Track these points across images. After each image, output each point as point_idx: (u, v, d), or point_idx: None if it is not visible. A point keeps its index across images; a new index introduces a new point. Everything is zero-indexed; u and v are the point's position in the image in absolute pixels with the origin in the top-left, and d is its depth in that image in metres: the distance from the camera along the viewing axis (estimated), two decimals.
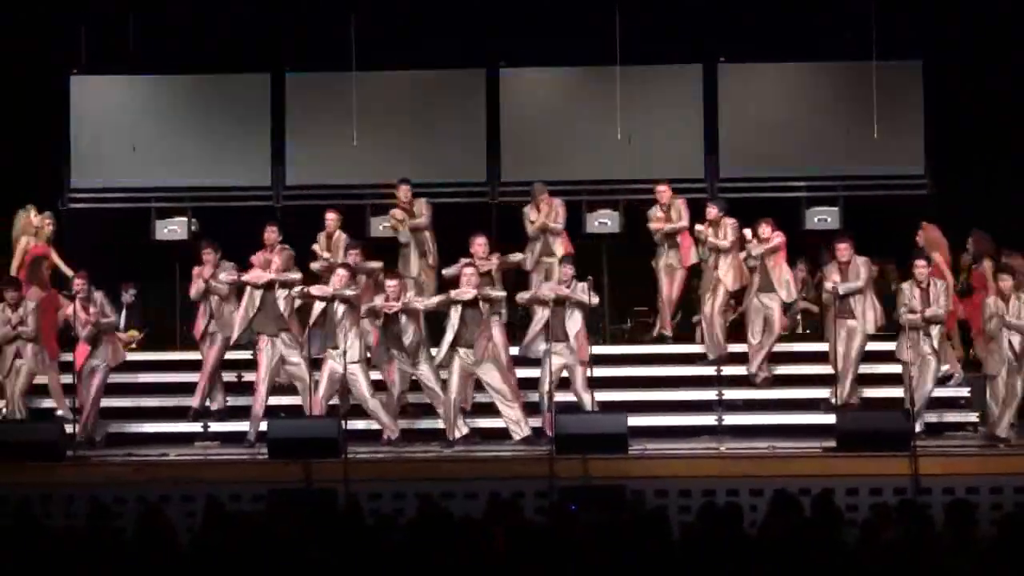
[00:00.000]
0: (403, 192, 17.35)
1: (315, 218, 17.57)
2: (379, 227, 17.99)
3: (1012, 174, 18.07)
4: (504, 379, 15.41)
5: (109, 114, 19.30)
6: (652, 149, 18.88)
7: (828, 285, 15.71)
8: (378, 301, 15.49)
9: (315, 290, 15.50)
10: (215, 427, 16.13)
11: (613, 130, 18.63)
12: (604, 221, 18.12)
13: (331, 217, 17.18)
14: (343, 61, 18.69)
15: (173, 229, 18.06)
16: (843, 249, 15.85)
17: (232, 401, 16.43)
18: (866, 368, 16.18)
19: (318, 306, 15.43)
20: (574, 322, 15.44)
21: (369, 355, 15.49)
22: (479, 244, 16.09)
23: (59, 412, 15.84)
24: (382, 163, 18.77)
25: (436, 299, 15.67)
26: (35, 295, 16.12)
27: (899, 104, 18.64)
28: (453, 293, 15.47)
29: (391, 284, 15.57)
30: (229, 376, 16.48)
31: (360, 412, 15.61)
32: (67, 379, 15.69)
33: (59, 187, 18.90)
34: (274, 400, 16.22)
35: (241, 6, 18.79)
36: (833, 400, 15.68)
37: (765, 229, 16.44)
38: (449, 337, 15.35)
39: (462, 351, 15.35)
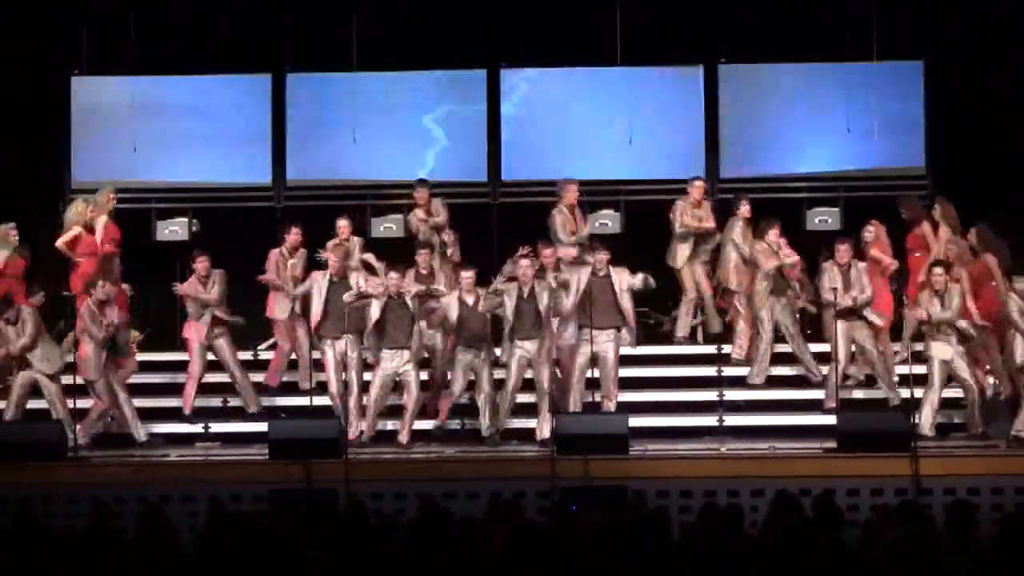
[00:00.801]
0: (422, 195, 17.27)
1: (316, 218, 17.56)
2: (380, 227, 17.98)
3: (1013, 174, 18.05)
4: (551, 380, 15.43)
5: (110, 114, 19.27)
6: (653, 149, 18.86)
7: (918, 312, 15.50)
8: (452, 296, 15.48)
9: (372, 287, 15.49)
10: (215, 427, 16.14)
11: (614, 130, 18.62)
12: (605, 222, 18.12)
13: (343, 225, 16.93)
14: (344, 61, 18.68)
15: (174, 230, 18.05)
16: (843, 251, 15.91)
17: (234, 402, 16.46)
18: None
19: (375, 308, 15.42)
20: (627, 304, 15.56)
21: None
22: (547, 255, 15.98)
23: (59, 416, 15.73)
24: (383, 163, 18.76)
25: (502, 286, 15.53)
26: (109, 291, 16.20)
27: (900, 104, 18.63)
28: (554, 280, 15.43)
29: (467, 275, 15.58)
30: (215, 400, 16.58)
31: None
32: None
33: (60, 187, 18.87)
34: (281, 401, 16.29)
35: (242, 6, 18.77)
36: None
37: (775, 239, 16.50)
38: (507, 331, 15.35)
39: (519, 343, 15.33)
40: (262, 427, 15.19)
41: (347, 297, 15.58)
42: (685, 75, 19.13)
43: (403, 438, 15.40)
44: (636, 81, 18.77)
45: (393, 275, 15.62)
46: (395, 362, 15.35)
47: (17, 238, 16.72)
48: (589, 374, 15.55)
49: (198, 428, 16.11)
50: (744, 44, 18.78)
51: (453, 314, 15.38)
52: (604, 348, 15.42)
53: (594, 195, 18.17)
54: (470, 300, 15.42)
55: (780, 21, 18.56)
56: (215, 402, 16.53)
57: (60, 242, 16.72)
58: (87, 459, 15.00)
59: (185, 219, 18.04)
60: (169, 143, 19.14)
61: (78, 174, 19.00)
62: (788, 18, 18.53)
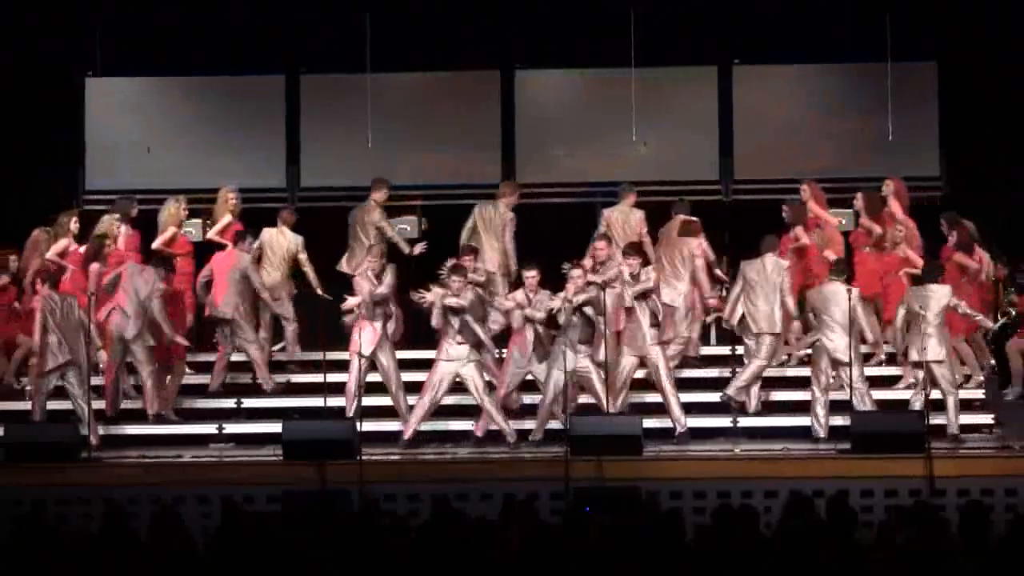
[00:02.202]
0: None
1: (329, 220, 17.58)
2: (394, 229, 17.96)
3: None
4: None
5: (124, 116, 19.31)
6: (667, 151, 18.86)
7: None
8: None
9: (452, 301, 15.29)
10: (229, 428, 16.14)
11: (628, 132, 18.64)
12: None
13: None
14: (358, 63, 18.70)
15: (188, 231, 18.06)
16: None
17: (248, 403, 16.48)
18: (878, 370, 16.28)
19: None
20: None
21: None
22: (601, 248, 16.03)
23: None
24: (397, 165, 18.76)
25: (583, 296, 15.32)
26: None
27: (914, 106, 18.59)
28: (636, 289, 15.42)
29: (530, 275, 15.49)
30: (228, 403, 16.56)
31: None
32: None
33: (74, 189, 18.92)
34: (290, 402, 16.30)
35: (255, 8, 18.79)
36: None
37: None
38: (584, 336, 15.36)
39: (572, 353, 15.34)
40: (276, 428, 15.18)
41: (435, 322, 15.54)
42: (699, 77, 19.14)
43: (510, 437, 15.34)
44: (651, 83, 18.76)
45: (456, 279, 15.44)
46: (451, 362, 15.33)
47: (136, 211, 17.18)
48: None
49: (212, 429, 16.12)
50: (759, 46, 18.79)
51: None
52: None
53: (608, 197, 18.16)
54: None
55: (794, 22, 18.56)
56: (229, 403, 16.54)
57: (158, 243, 17.01)
58: (100, 460, 15.01)
59: (200, 221, 18.01)
60: (183, 145, 19.17)
61: (92, 176, 19.05)
62: (802, 19, 18.53)
